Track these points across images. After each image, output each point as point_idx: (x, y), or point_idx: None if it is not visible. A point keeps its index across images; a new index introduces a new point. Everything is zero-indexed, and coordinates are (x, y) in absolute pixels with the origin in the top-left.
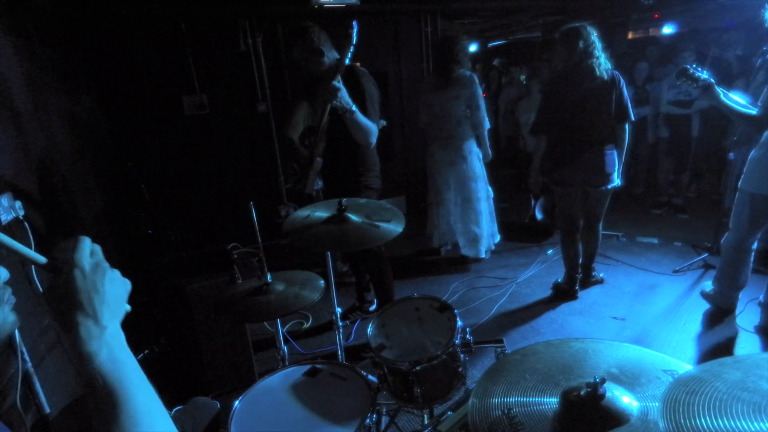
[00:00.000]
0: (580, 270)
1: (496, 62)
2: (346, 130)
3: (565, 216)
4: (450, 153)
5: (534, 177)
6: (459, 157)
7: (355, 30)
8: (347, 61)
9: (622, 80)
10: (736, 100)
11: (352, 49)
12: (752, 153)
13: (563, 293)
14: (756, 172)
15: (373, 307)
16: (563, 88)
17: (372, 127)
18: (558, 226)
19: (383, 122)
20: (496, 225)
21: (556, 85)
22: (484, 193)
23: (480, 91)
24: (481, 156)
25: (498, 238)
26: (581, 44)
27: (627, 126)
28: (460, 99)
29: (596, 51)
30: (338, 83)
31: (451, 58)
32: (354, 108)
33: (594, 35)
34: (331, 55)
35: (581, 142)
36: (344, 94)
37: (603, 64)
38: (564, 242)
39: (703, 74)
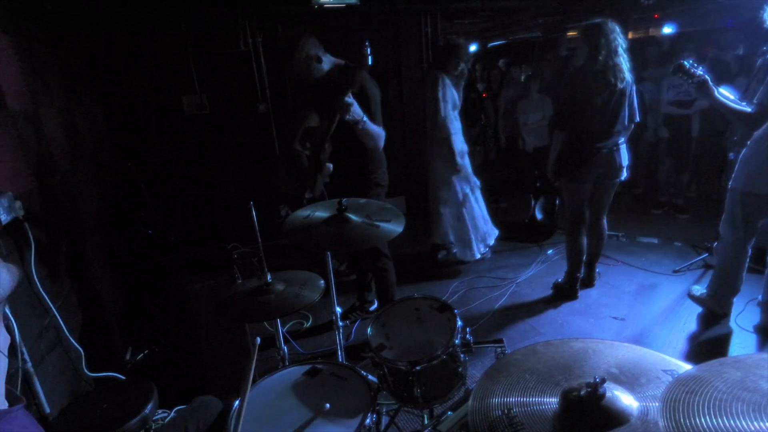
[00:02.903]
0: (582, 269)
1: (500, 63)
2: (353, 132)
3: (575, 209)
4: (432, 154)
5: (551, 168)
6: (432, 159)
7: (368, 50)
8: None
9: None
10: (730, 97)
11: (365, 69)
12: (743, 151)
13: (564, 293)
14: (747, 170)
15: (373, 307)
16: (588, 86)
17: (381, 133)
18: (566, 219)
19: None
20: (489, 225)
21: (579, 81)
22: (452, 197)
23: (441, 93)
24: (454, 158)
25: (491, 241)
26: (606, 42)
27: (632, 126)
28: (427, 100)
29: (621, 49)
30: (350, 99)
31: (434, 59)
32: (365, 118)
33: (618, 32)
34: (326, 58)
35: (600, 139)
36: (356, 108)
37: (628, 63)
38: (570, 235)
39: (699, 70)
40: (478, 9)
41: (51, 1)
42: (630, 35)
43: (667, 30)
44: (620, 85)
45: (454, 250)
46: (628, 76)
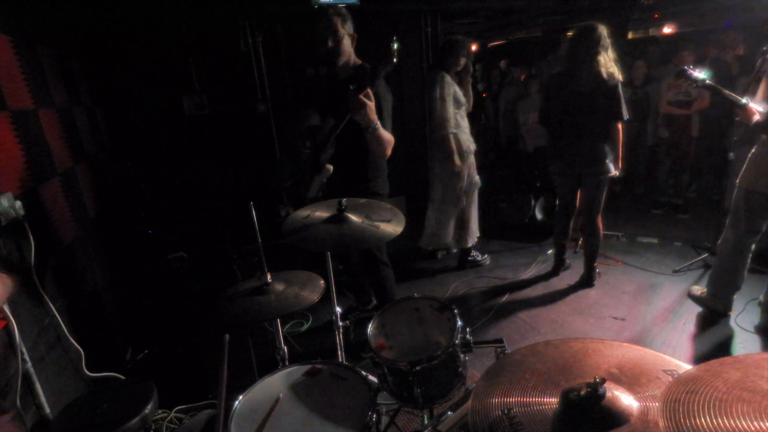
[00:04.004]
0: (565, 251)
1: (501, 64)
2: (357, 135)
3: (561, 200)
4: (432, 153)
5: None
6: (432, 160)
7: (395, 46)
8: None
9: (619, 83)
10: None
11: (390, 68)
12: (753, 150)
13: (555, 263)
14: (752, 169)
15: (371, 305)
16: (562, 86)
17: (391, 140)
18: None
19: None
20: (474, 227)
21: (555, 82)
22: (448, 197)
23: (438, 91)
24: (453, 158)
25: (469, 243)
26: (587, 44)
27: (618, 126)
28: (427, 100)
29: (599, 53)
30: (367, 99)
31: (435, 58)
32: (378, 124)
33: (603, 36)
34: (347, 42)
35: (574, 137)
36: (373, 109)
37: (604, 65)
38: (556, 219)
39: (702, 74)
40: (478, 9)
41: (51, 1)
42: (630, 35)
43: (667, 30)
44: (584, 89)
45: (454, 250)
46: (603, 78)
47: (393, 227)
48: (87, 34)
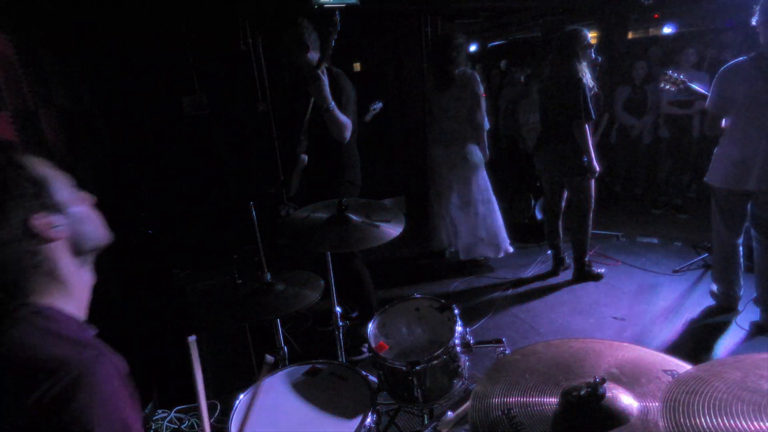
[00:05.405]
0: (563, 252)
1: (502, 64)
2: (327, 128)
3: (545, 197)
4: (451, 155)
5: None
6: (460, 159)
7: (338, 17)
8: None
9: (582, 83)
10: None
11: (336, 36)
12: (716, 148)
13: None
14: (715, 165)
15: (355, 314)
16: (544, 88)
17: (347, 123)
18: None
19: (380, 104)
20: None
21: (542, 84)
22: (486, 195)
23: (481, 90)
24: (481, 157)
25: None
26: (561, 49)
27: (580, 125)
28: (461, 99)
29: (571, 58)
30: (321, 73)
31: (445, 57)
32: (332, 104)
33: (579, 40)
34: (315, 55)
35: (549, 136)
36: (325, 86)
37: (574, 68)
38: (545, 220)
39: (680, 77)
40: (478, 9)
41: (51, 1)
42: (630, 35)
43: (667, 30)
44: (554, 91)
45: (481, 250)
46: (569, 80)
47: (393, 227)
48: (87, 34)
